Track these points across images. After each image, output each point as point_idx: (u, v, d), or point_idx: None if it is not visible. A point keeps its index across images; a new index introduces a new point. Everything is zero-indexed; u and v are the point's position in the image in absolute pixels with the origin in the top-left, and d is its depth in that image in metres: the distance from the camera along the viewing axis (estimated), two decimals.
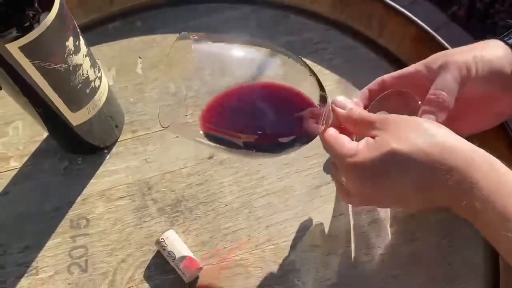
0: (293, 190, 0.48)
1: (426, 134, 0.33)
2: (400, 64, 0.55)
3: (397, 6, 0.53)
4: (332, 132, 0.37)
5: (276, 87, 0.34)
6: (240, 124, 0.34)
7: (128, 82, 0.55)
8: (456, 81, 0.38)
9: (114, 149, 0.51)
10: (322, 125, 0.37)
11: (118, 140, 0.52)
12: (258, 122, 0.33)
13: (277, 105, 0.34)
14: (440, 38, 0.50)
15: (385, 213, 0.46)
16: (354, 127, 0.38)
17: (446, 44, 0.50)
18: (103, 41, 0.58)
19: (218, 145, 0.35)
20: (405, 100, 0.41)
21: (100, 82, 0.45)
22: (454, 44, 0.50)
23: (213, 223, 0.47)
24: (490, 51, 0.39)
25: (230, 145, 0.35)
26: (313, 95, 0.35)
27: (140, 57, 0.57)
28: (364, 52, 0.56)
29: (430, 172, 0.32)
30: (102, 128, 0.49)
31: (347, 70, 0.55)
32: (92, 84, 0.44)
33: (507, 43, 0.39)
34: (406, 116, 0.35)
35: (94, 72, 0.44)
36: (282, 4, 0.59)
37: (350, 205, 0.47)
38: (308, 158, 0.50)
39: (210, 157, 0.50)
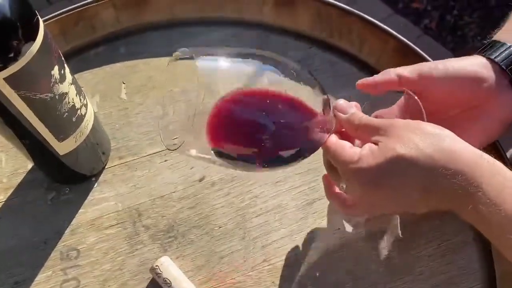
0: (286, 208, 0.48)
1: (430, 139, 0.33)
2: None
3: (376, 21, 0.54)
4: (333, 138, 0.37)
5: (277, 96, 0.35)
6: (246, 139, 0.34)
7: (113, 108, 0.55)
8: (411, 71, 0.40)
9: (101, 177, 0.50)
10: (326, 132, 0.37)
11: (106, 167, 0.51)
12: (264, 135, 0.34)
13: (282, 116, 0.35)
14: (419, 50, 0.51)
15: (378, 226, 0.47)
16: (355, 132, 0.38)
17: (425, 56, 0.51)
18: (86, 68, 0.57)
19: (223, 160, 0.35)
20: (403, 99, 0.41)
21: (86, 109, 0.45)
22: (429, 56, 0.51)
23: (207, 246, 0.46)
24: (464, 60, 0.41)
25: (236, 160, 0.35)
26: (317, 101, 0.36)
27: (124, 83, 0.57)
28: (347, 67, 0.57)
29: (435, 177, 0.33)
30: (89, 156, 0.49)
31: (332, 85, 0.55)
32: (78, 112, 0.43)
33: (485, 56, 0.41)
34: (409, 120, 0.35)
35: (80, 99, 0.43)
36: (263, 24, 0.60)
37: (344, 220, 0.47)
38: (299, 174, 0.50)
39: (201, 180, 0.50)
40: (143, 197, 0.49)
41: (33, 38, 0.35)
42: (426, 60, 0.51)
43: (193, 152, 0.35)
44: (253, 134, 0.34)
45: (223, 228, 0.47)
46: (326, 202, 0.48)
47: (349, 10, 0.55)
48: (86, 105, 0.45)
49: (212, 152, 0.35)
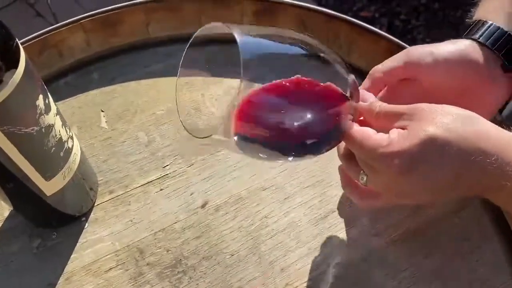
0: (300, 225, 0.45)
1: (461, 120, 0.32)
2: None
3: (363, 24, 0.53)
4: (355, 126, 0.35)
5: (309, 83, 0.32)
6: (275, 127, 0.31)
7: (94, 139, 0.50)
8: (397, 61, 0.40)
9: (92, 215, 0.45)
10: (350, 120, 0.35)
11: (95, 204, 0.46)
12: (294, 123, 0.31)
13: (312, 104, 0.32)
14: None
15: (398, 232, 0.45)
16: (376, 120, 0.36)
17: None
18: (58, 99, 0.52)
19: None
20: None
21: (73, 142, 0.40)
22: None
23: (222, 278, 0.42)
24: (452, 44, 0.40)
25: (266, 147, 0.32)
26: (343, 85, 0.34)
27: (102, 110, 0.52)
28: None
29: (469, 158, 0.31)
30: (77, 194, 0.44)
31: None
32: (66, 145, 0.39)
33: (471, 38, 0.41)
34: (434, 104, 0.34)
35: (66, 132, 0.39)
36: None
37: (362, 230, 0.44)
38: (308, 188, 0.47)
39: (203, 205, 0.46)
40: (142, 232, 0.44)
41: (14, 65, 0.31)
42: None
43: (221, 137, 0.31)
44: (283, 123, 0.32)
45: (236, 256, 0.43)
46: (341, 213, 0.45)
47: (334, 15, 0.53)
48: (72, 137, 0.40)
49: (239, 139, 0.32)
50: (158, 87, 0.54)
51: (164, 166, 0.48)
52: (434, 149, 0.31)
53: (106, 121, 0.51)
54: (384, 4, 1.75)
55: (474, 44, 0.40)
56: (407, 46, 0.51)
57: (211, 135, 0.29)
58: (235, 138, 0.31)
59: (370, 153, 0.34)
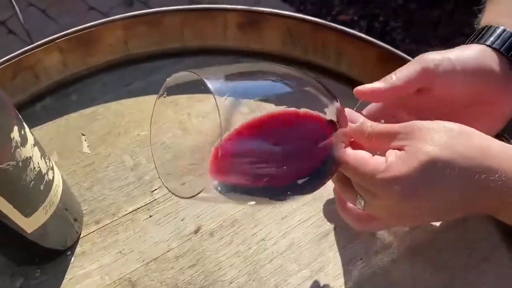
0: (300, 246, 0.42)
1: (459, 138, 0.31)
2: None
3: (351, 31, 0.51)
4: (348, 151, 0.33)
5: (292, 116, 0.30)
6: (263, 170, 0.29)
7: (76, 165, 0.47)
8: (413, 70, 0.37)
9: (78, 249, 0.42)
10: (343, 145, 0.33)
11: (81, 236, 0.43)
12: (284, 162, 0.29)
13: (298, 139, 0.30)
14: (403, 54, 0.49)
15: (402, 247, 0.43)
16: (368, 142, 0.34)
17: (411, 59, 0.49)
18: (34, 125, 0.49)
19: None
20: None
21: (53, 173, 0.37)
22: None
23: None
24: (468, 50, 0.38)
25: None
26: (330, 111, 0.31)
27: (83, 134, 0.49)
28: (325, 83, 0.53)
29: (473, 176, 0.30)
30: (61, 227, 0.41)
31: None
32: (46, 177, 0.36)
33: (484, 44, 0.38)
34: (428, 121, 0.32)
35: (46, 162, 0.36)
36: (228, 49, 0.55)
37: (365, 248, 0.42)
38: (306, 205, 0.45)
39: (197, 231, 0.43)
40: (133, 264, 0.42)
41: None
42: None
43: (205, 194, 0.28)
44: (271, 164, 0.29)
45: (235, 283, 0.41)
46: (342, 230, 0.43)
47: (321, 23, 0.52)
48: (52, 168, 0.37)
49: (227, 191, 0.29)
50: (141, 106, 0.51)
51: (152, 191, 0.46)
52: (435, 172, 0.30)
53: (88, 146, 0.48)
54: (363, 7, 1.75)
55: (488, 50, 0.38)
56: (397, 52, 0.49)
57: (198, 193, 0.27)
58: (223, 192, 0.28)
59: (368, 179, 0.32)
